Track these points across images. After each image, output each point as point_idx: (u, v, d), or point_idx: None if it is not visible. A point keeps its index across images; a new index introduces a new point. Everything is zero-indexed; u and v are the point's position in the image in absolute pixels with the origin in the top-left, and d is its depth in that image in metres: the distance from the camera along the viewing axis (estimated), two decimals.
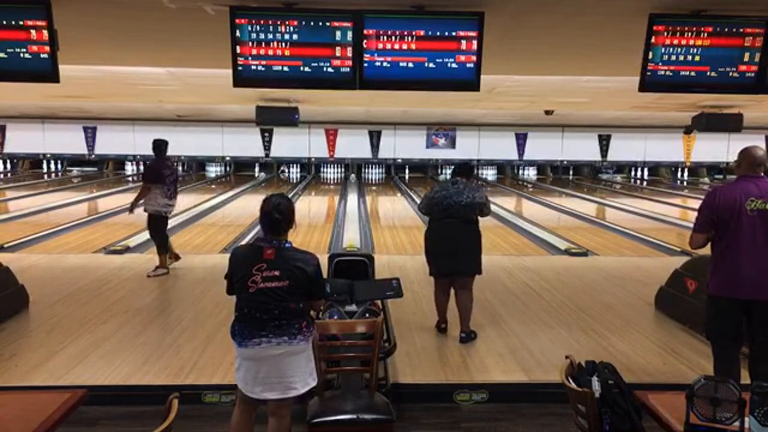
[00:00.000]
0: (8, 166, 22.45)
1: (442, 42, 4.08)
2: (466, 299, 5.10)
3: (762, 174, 3.70)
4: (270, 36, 4.06)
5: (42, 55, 4.00)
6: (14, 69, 4.05)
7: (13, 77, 4.14)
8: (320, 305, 3.31)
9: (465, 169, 5.28)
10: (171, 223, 11.26)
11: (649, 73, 4.18)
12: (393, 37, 4.08)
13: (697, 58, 4.14)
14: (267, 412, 3.13)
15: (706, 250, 3.83)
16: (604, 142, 21.08)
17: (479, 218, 5.11)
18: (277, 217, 3.01)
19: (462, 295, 5.12)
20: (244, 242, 8.95)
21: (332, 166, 22.02)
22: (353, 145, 20.79)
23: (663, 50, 4.12)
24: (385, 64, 4.11)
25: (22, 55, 4.00)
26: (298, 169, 22.47)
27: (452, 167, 5.46)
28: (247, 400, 3.12)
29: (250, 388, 3.03)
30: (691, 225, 3.82)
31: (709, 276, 3.77)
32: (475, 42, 4.08)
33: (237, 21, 4.01)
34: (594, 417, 2.61)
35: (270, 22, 4.03)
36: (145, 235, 9.97)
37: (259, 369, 2.98)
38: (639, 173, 23.41)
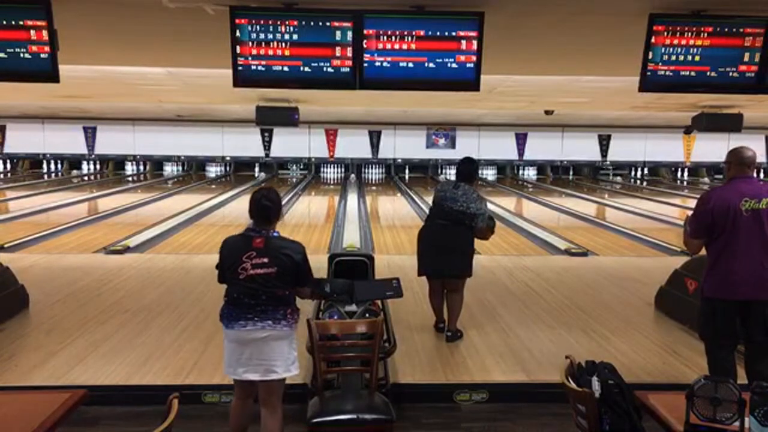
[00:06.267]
0: (8, 166, 22.45)
1: (442, 42, 4.08)
2: (453, 301, 5.11)
3: (753, 174, 3.71)
4: (270, 36, 4.05)
5: (42, 55, 4.00)
6: (14, 69, 4.04)
7: (13, 77, 4.13)
8: (307, 292, 3.40)
9: (468, 173, 5.12)
10: (171, 223, 11.37)
11: (649, 73, 4.17)
12: (393, 37, 4.07)
13: (697, 58, 4.13)
14: (259, 402, 3.26)
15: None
16: (604, 142, 21.07)
17: (476, 227, 4.98)
18: (266, 203, 3.19)
19: (451, 297, 5.13)
20: None
21: (332, 166, 22.01)
22: (353, 145, 20.76)
23: (663, 50, 4.12)
24: (385, 64, 4.11)
25: (22, 55, 3.99)
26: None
27: (455, 166, 5.34)
28: (243, 387, 3.27)
29: (233, 369, 3.19)
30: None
31: (704, 277, 3.77)
32: (475, 42, 4.07)
33: (237, 21, 4.01)
34: (594, 417, 2.61)
35: (270, 22, 4.02)
36: (145, 235, 10.02)
37: (243, 351, 3.14)
38: (639, 173, 23.37)
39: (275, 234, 3.20)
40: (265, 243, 3.12)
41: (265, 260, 3.09)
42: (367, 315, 4.00)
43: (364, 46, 4.06)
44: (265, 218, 3.19)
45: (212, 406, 4.06)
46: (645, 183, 22.50)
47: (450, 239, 4.97)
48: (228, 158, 21.22)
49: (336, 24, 4.02)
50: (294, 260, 3.15)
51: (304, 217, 13.50)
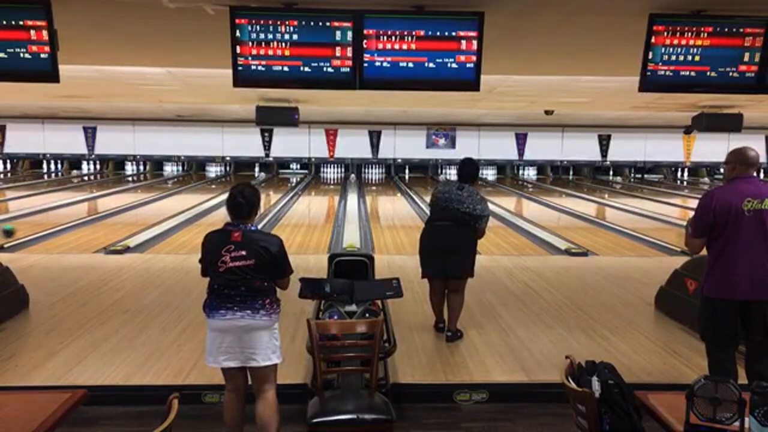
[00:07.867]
0: (8, 166, 22.44)
1: (442, 42, 4.08)
2: (454, 301, 5.11)
3: (755, 174, 3.71)
4: (270, 36, 4.05)
5: (42, 55, 4.00)
6: (14, 69, 4.05)
7: (13, 77, 4.13)
8: (286, 284, 3.46)
9: (471, 173, 5.12)
10: (171, 223, 11.37)
11: (649, 73, 4.17)
12: (393, 37, 4.07)
13: (697, 58, 4.14)
14: (254, 391, 3.35)
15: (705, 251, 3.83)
16: (604, 142, 21.08)
17: (479, 227, 5.01)
18: (240, 200, 3.29)
19: (452, 297, 5.13)
20: None
21: (332, 166, 22.01)
22: (353, 145, 20.76)
23: (663, 50, 4.12)
24: (385, 64, 4.11)
25: (22, 55, 3.99)
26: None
27: (457, 167, 5.34)
28: (232, 378, 3.35)
29: (213, 358, 3.31)
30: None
31: (704, 277, 3.77)
32: (475, 42, 4.08)
33: (237, 21, 4.01)
34: (594, 417, 2.61)
35: (270, 22, 4.02)
36: (145, 235, 10.02)
37: (223, 339, 3.26)
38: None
39: (253, 228, 3.34)
40: (242, 236, 3.24)
41: (243, 253, 3.21)
42: (367, 315, 3.99)
43: (364, 46, 4.06)
44: (238, 214, 3.30)
45: (212, 406, 4.06)
46: (646, 180, 22.51)
47: (455, 240, 4.97)
48: (228, 158, 21.21)
49: (336, 24, 4.02)
50: (271, 252, 3.25)
51: (304, 217, 13.50)
